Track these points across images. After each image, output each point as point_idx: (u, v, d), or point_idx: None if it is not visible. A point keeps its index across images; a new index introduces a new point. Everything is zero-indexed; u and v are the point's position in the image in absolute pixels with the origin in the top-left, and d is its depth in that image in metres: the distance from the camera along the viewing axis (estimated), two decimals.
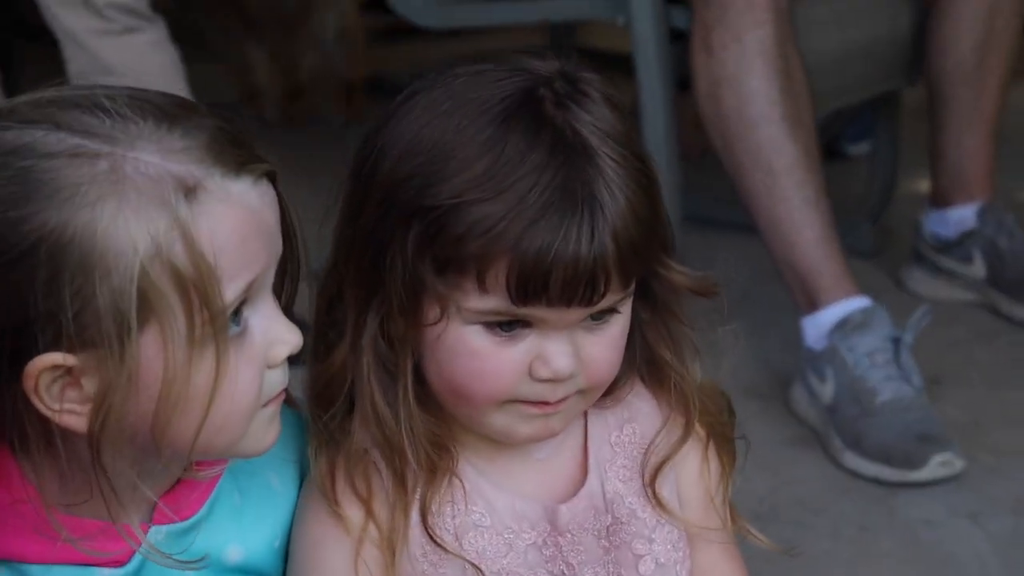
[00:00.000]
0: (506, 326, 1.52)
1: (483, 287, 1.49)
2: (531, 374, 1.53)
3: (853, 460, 2.71)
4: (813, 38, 2.97)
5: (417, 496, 1.59)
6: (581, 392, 1.57)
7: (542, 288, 1.48)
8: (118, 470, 1.43)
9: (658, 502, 1.65)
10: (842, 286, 2.81)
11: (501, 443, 1.62)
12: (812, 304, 2.82)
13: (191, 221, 1.37)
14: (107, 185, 1.36)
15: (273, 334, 1.46)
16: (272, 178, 1.47)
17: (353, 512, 1.59)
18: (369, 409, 1.57)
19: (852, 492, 2.67)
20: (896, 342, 2.76)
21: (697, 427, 1.68)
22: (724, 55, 2.80)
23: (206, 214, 1.38)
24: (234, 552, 1.58)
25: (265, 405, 1.48)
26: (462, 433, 1.61)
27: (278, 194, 1.48)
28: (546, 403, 1.55)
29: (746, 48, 2.79)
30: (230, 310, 1.41)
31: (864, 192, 3.69)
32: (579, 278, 1.48)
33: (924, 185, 3.46)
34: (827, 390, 2.78)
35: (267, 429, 1.49)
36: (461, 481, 1.61)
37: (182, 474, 1.51)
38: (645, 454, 1.66)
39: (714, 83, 2.82)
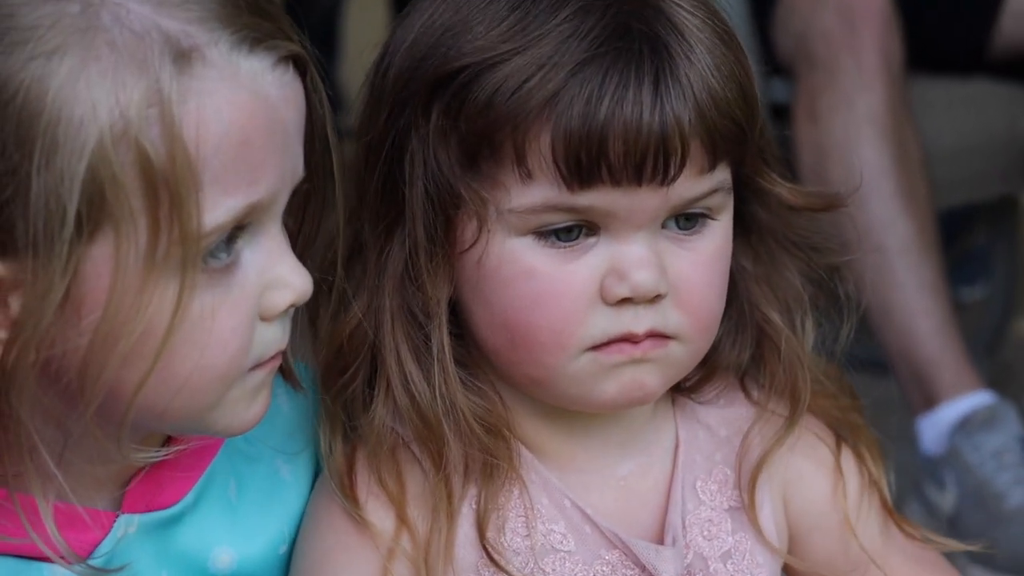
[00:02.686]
0: (564, 233, 1.19)
1: (525, 170, 1.17)
2: (604, 297, 1.20)
3: (980, 575, 2.40)
4: (925, 122, 2.73)
5: (470, 501, 1.24)
6: (679, 339, 1.22)
7: (599, 156, 1.15)
8: (42, 428, 1.11)
9: (760, 533, 1.30)
10: (964, 380, 2.52)
11: (576, 443, 1.27)
12: (930, 401, 2.53)
13: (177, 97, 1.05)
14: (73, 33, 1.04)
15: (273, 275, 1.12)
16: (302, 67, 1.14)
17: (381, 517, 1.24)
18: (394, 371, 1.23)
19: None
20: None
21: (819, 430, 1.33)
22: (831, 122, 2.56)
23: (200, 92, 1.06)
24: (224, 556, 1.24)
25: (253, 369, 1.14)
26: (526, 424, 1.27)
27: (306, 91, 1.15)
28: (632, 340, 1.21)
29: (856, 114, 2.55)
30: (213, 236, 1.08)
31: (979, 331, 3.43)
32: (646, 140, 1.15)
33: None
34: (947, 499, 2.49)
35: (250, 401, 1.15)
36: (526, 487, 1.25)
37: (132, 454, 1.15)
38: (736, 459, 1.31)
39: (820, 153, 2.57)
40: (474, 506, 1.24)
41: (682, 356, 1.24)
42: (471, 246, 1.20)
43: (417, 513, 1.24)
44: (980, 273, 3.68)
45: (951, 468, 2.48)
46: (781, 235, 1.30)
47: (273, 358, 1.15)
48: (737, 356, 1.32)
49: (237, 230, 1.10)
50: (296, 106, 1.13)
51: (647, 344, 1.21)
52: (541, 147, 1.16)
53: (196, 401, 1.12)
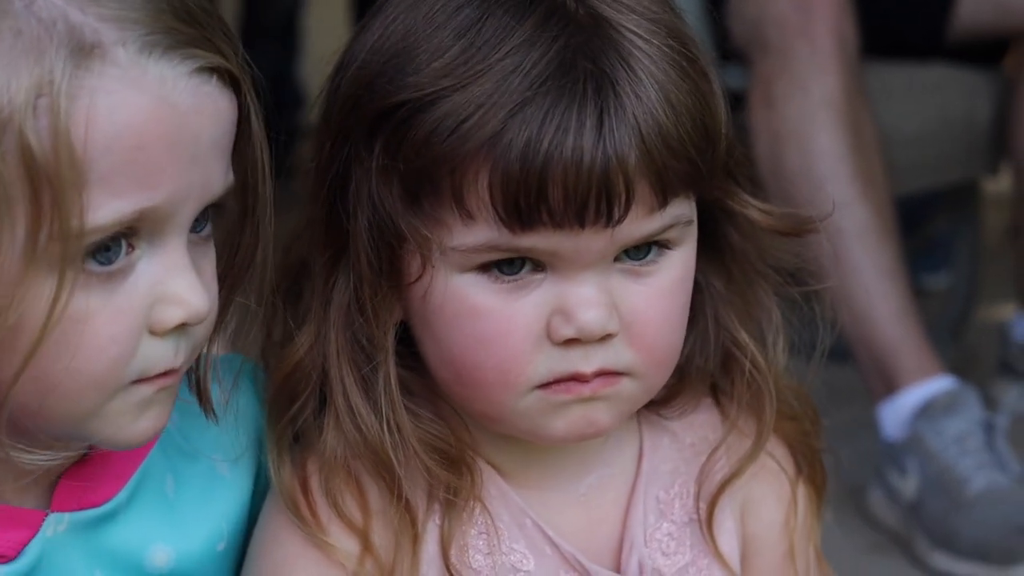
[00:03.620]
0: (507, 266, 1.16)
1: (465, 211, 1.14)
2: (551, 337, 1.16)
3: (943, 560, 2.39)
4: (885, 108, 2.71)
5: (435, 517, 1.22)
6: (632, 375, 1.19)
7: (538, 199, 1.12)
8: None
9: (717, 552, 1.28)
10: (924, 365, 2.50)
11: (536, 460, 1.25)
12: (890, 387, 2.51)
13: (69, 90, 1.02)
14: None
15: (166, 290, 1.09)
16: (234, 82, 1.11)
17: (344, 540, 1.21)
18: (340, 403, 1.20)
19: None
20: (988, 427, 2.46)
21: (783, 458, 1.31)
22: (787, 108, 2.54)
23: (96, 90, 1.03)
24: (160, 554, 1.21)
25: (138, 383, 1.11)
26: (487, 444, 1.25)
27: (240, 106, 1.12)
28: (581, 379, 1.18)
29: (811, 99, 2.53)
30: (96, 236, 1.05)
31: (942, 318, 3.42)
32: (588, 182, 1.11)
33: (1006, 311, 3.18)
34: (909, 485, 2.46)
35: (136, 416, 1.11)
36: (487, 508, 1.23)
37: (13, 454, 1.11)
38: (699, 477, 1.29)
39: (775, 140, 2.55)
40: (439, 522, 1.22)
41: (635, 392, 1.21)
42: (416, 280, 1.18)
43: (381, 530, 1.21)
44: (943, 260, 3.68)
45: (913, 454, 2.46)
46: (754, 256, 1.26)
47: (164, 375, 1.11)
48: (707, 373, 1.29)
49: (132, 237, 1.08)
50: (215, 119, 1.09)
51: (597, 383, 1.18)
52: (480, 189, 1.13)
53: (71, 406, 1.08)
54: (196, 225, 1.12)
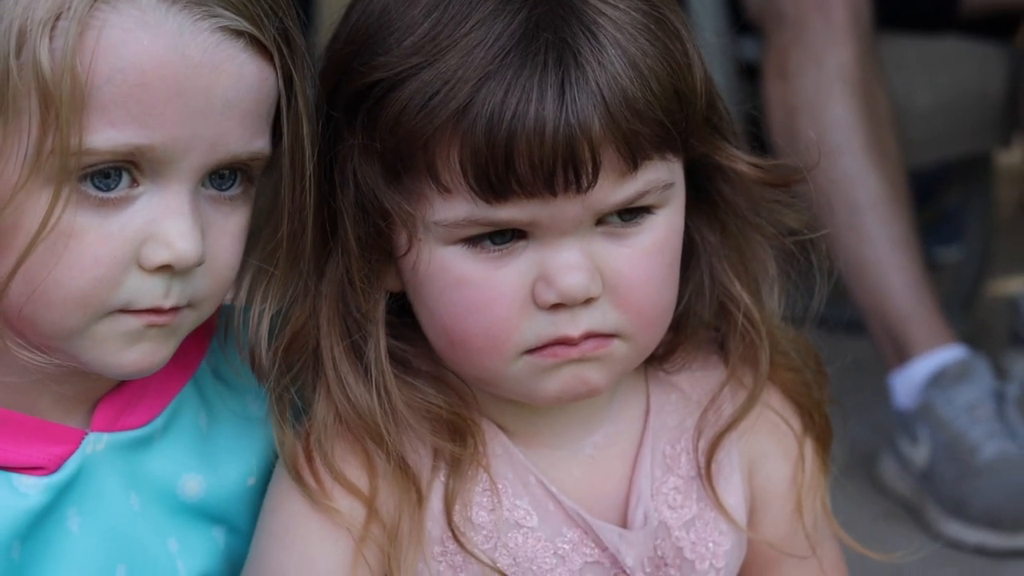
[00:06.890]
0: (497, 237, 1.18)
1: (442, 185, 1.16)
2: (536, 302, 1.18)
3: (953, 528, 2.39)
4: (899, 81, 2.72)
5: (441, 475, 1.24)
6: (622, 336, 1.21)
7: (506, 169, 1.14)
8: None
9: (718, 502, 1.29)
10: (937, 335, 2.51)
11: (542, 419, 1.27)
12: (902, 356, 2.52)
13: (83, 19, 1.09)
14: None
15: (158, 229, 1.14)
16: (282, 58, 1.15)
17: (348, 505, 1.23)
18: (331, 374, 1.23)
19: (953, 565, 2.35)
20: (999, 397, 2.46)
21: (787, 412, 1.33)
22: (801, 80, 2.55)
23: (111, 24, 1.10)
24: (192, 483, 1.26)
25: (125, 313, 1.15)
26: (491, 404, 1.27)
27: (286, 84, 1.15)
28: (569, 343, 1.20)
29: (825, 71, 2.53)
30: (92, 158, 1.11)
31: (954, 291, 3.43)
32: (553, 151, 1.14)
33: (1017, 283, 3.19)
34: (921, 453, 2.47)
35: (123, 345, 1.16)
36: (491, 468, 1.25)
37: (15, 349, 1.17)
38: (698, 425, 1.30)
39: (790, 111, 2.56)
40: (444, 480, 1.24)
41: (628, 352, 1.23)
42: (405, 253, 1.20)
43: (387, 491, 1.23)
44: (955, 233, 3.68)
45: (924, 422, 2.47)
46: (747, 208, 1.28)
47: (152, 312, 1.16)
48: (703, 326, 1.31)
49: (136, 172, 1.13)
50: (233, 81, 1.14)
51: (587, 345, 1.20)
52: (452, 163, 1.15)
53: (57, 317, 1.14)
54: (219, 183, 1.17)
